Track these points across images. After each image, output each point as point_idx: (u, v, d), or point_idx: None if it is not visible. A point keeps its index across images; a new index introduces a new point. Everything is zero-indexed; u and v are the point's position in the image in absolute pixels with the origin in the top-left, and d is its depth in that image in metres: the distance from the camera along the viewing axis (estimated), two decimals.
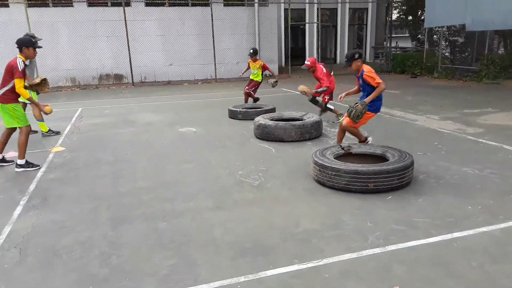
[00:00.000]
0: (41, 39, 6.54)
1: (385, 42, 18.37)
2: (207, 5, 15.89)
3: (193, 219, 3.66)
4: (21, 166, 5.27)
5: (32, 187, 4.62)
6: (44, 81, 5.86)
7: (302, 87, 7.33)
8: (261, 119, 6.56)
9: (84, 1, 15.11)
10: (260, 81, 9.43)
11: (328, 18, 23.99)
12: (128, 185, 4.58)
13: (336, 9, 23.17)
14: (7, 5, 14.30)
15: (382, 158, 4.66)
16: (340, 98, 5.35)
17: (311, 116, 6.73)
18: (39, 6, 14.64)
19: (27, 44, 5.31)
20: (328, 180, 4.26)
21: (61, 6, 15.02)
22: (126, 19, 14.83)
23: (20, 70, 5.11)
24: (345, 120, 5.26)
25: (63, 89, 14.91)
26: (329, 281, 2.68)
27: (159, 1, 15.97)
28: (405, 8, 24.35)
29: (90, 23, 15.19)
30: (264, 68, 9.50)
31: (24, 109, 5.58)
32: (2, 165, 5.45)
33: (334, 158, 4.57)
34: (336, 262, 2.92)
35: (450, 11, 13.86)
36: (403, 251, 3.04)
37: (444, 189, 4.21)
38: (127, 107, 10.24)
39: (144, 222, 3.63)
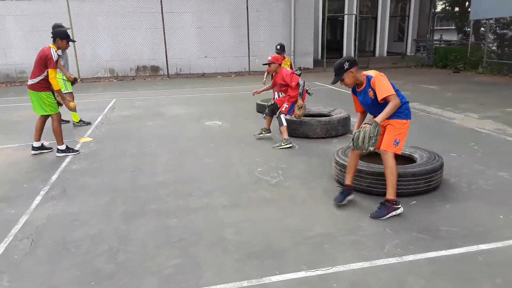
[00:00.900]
0: (69, 28, 6.69)
1: (427, 35, 17.51)
2: None
3: (205, 217, 3.59)
4: (62, 151, 5.55)
5: (54, 177, 4.72)
6: (75, 81, 6.08)
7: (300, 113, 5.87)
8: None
9: None
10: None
11: (368, 9, 23.22)
12: (146, 179, 4.58)
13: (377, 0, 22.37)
14: None
15: (409, 159, 4.39)
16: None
17: (339, 112, 6.48)
18: None
19: (62, 36, 5.42)
20: None
21: None
22: (163, 11, 14.97)
23: (54, 60, 5.26)
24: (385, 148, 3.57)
25: (101, 79, 15.32)
26: None
27: None
28: None
29: (129, 15, 15.45)
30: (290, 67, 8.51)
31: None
32: (42, 152, 5.66)
33: None
34: (347, 271, 2.75)
35: (499, 2, 12.96)
36: (422, 262, 2.82)
37: (475, 195, 3.90)
38: (159, 99, 10.35)
39: (157, 217, 3.60)
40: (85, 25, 15.04)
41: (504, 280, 2.58)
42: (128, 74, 16.15)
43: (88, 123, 7.53)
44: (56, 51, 5.34)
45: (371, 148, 3.44)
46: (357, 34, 17.39)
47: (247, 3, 15.54)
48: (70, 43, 5.59)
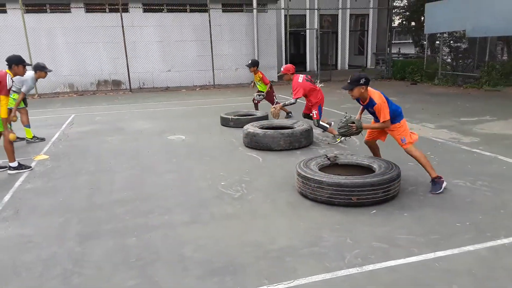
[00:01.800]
0: (51, 70, 6.84)
1: (386, 49, 18.18)
2: (205, 11, 15.80)
3: (165, 235, 3.49)
4: (14, 168, 5.38)
5: (7, 197, 4.48)
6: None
7: (273, 111, 6.79)
8: (250, 127, 6.40)
9: (82, 7, 15.08)
10: (269, 90, 8.72)
11: (329, 24, 23.89)
12: (104, 197, 4.42)
13: (337, 15, 23.07)
14: (4, 11, 14.29)
15: (369, 169, 4.48)
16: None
17: (301, 124, 6.55)
18: (37, 12, 14.62)
19: (17, 62, 5.30)
20: (311, 192, 4.08)
21: (59, 11, 14.99)
22: (124, 25, 14.77)
23: (7, 88, 5.10)
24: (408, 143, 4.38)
25: (60, 95, 14.86)
26: None
27: (157, 7, 15.92)
28: (407, 14, 24.17)
29: (88, 29, 15.16)
30: (264, 81, 8.81)
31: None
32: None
33: (319, 169, 4.39)
34: (309, 283, 2.74)
35: (450, 17, 13.69)
36: (381, 271, 2.85)
37: (432, 203, 4.01)
38: (120, 114, 10.12)
39: (113, 237, 3.47)
40: (42, 40, 14.62)
41: (460, 286, 2.64)
42: (88, 89, 15.76)
43: (42, 139, 7.24)
44: (11, 78, 5.19)
45: (340, 137, 4.68)
46: (319, 48, 17.80)
47: (209, 17, 15.59)
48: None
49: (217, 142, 6.81)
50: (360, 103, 4.49)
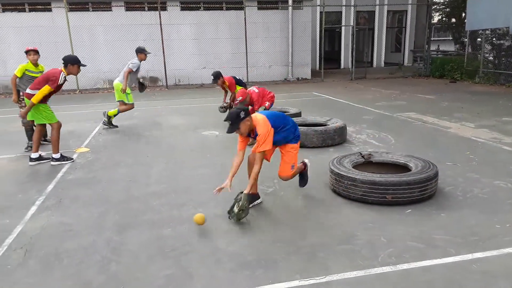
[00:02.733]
0: (150, 53, 8.03)
1: (424, 45, 17.64)
2: (241, 8, 15.88)
3: (198, 227, 3.56)
4: (57, 159, 5.66)
5: (50, 187, 4.71)
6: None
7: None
8: None
9: (122, 6, 15.54)
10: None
11: (365, 20, 23.43)
12: (140, 190, 4.56)
13: (374, 11, 22.58)
14: (50, 10, 14.95)
15: (404, 168, 4.39)
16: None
17: (336, 121, 6.49)
18: (80, 10, 15.20)
19: (72, 62, 5.53)
20: (344, 190, 4.05)
21: (100, 10, 15.51)
22: (162, 23, 15.08)
23: (57, 84, 5.39)
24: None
25: (100, 90, 15.38)
26: None
27: (194, 6, 16.16)
28: (448, 10, 23.33)
29: (127, 27, 15.58)
30: (231, 89, 8.23)
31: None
32: (40, 163, 5.69)
33: (353, 167, 4.35)
34: (341, 279, 2.73)
35: (493, 13, 13.09)
36: (415, 271, 2.80)
37: (471, 203, 3.89)
38: (157, 110, 10.37)
39: (150, 228, 3.58)
40: (84, 37, 15.17)
41: None
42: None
43: (116, 126, 8.10)
44: (65, 76, 5.46)
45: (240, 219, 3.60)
46: (354, 45, 17.50)
47: (244, 15, 15.67)
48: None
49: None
50: (251, 137, 3.87)
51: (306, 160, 4.42)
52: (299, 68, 17.38)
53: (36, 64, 6.50)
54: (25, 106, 5.71)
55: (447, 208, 3.79)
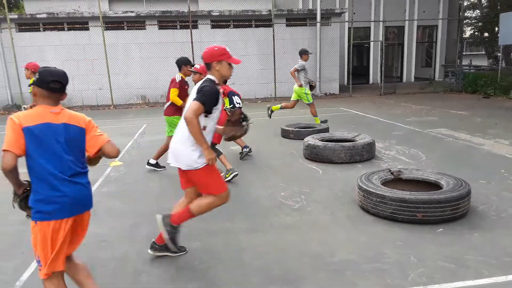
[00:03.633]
0: (311, 53, 8.85)
1: (456, 60, 17.30)
2: (269, 26, 16.13)
3: (226, 240, 3.62)
4: (151, 165, 6.13)
5: None
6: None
7: None
8: (310, 139, 6.42)
9: (155, 24, 16.09)
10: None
11: (395, 35, 23.24)
12: (171, 203, 4.63)
13: (403, 26, 22.38)
14: (87, 29, 15.67)
15: (435, 186, 4.31)
16: None
17: (364, 137, 6.45)
18: (115, 29, 15.86)
19: (184, 63, 5.96)
20: (373, 207, 4.01)
21: (135, 29, 16.13)
22: (193, 40, 15.52)
23: (175, 82, 5.84)
24: None
25: (133, 106, 15.86)
26: None
27: (224, 24, 16.55)
28: (480, 24, 22.89)
29: (160, 45, 16.09)
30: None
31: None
32: (155, 169, 6.13)
33: (382, 184, 4.31)
34: None
35: None
36: None
37: (505, 223, 3.77)
38: None
39: (180, 240, 3.65)
40: (119, 54, 15.76)
41: None
42: (159, 101, 16.65)
43: (325, 121, 8.87)
44: (182, 76, 5.89)
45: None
46: (383, 60, 17.37)
47: (273, 32, 15.89)
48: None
49: (277, 153, 6.90)
50: None
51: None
52: (327, 84, 17.37)
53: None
54: None
55: (480, 228, 3.69)
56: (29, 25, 15.50)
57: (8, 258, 3.43)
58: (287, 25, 16.84)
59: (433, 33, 23.38)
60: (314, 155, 6.19)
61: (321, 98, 16.41)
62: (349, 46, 19.28)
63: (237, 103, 6.30)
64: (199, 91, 3.06)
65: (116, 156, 2.55)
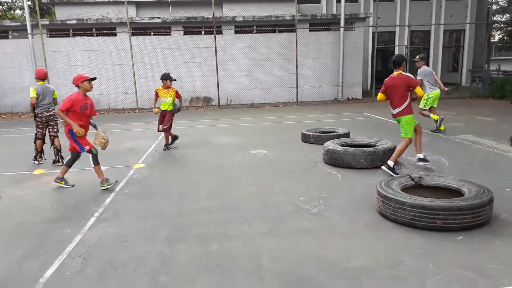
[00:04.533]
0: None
1: (484, 65, 16.88)
2: (293, 31, 16.18)
3: (244, 244, 3.67)
4: (388, 167, 5.71)
5: (108, 200, 5.04)
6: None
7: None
8: (330, 144, 6.41)
9: (180, 30, 16.39)
10: (172, 110, 8.11)
11: (421, 40, 22.87)
12: (190, 205, 4.76)
13: (430, 31, 22.02)
14: (115, 34, 16.11)
15: (457, 193, 4.24)
16: None
17: (385, 142, 6.39)
18: (142, 34, 16.24)
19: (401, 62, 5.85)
20: (392, 213, 3.98)
21: (161, 34, 16.47)
22: (217, 45, 15.73)
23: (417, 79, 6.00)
24: None
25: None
26: None
27: (248, 29, 16.70)
28: (509, 29, 22.25)
29: (185, 50, 16.39)
30: (178, 96, 8.26)
31: None
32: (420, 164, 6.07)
33: (401, 190, 4.27)
34: None
35: None
36: None
37: None
38: (209, 128, 10.75)
39: (198, 243, 3.73)
40: (146, 59, 16.11)
41: None
42: (182, 105, 16.92)
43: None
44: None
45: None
46: (407, 65, 17.11)
47: (296, 37, 15.92)
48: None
49: (297, 158, 6.91)
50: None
51: None
52: (349, 88, 17.25)
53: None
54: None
55: (502, 236, 3.61)
56: (59, 30, 16.07)
57: (34, 256, 3.58)
58: (310, 30, 16.85)
59: (460, 37, 22.90)
60: (334, 160, 6.17)
61: (344, 103, 16.31)
62: (373, 50, 19.11)
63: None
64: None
65: None
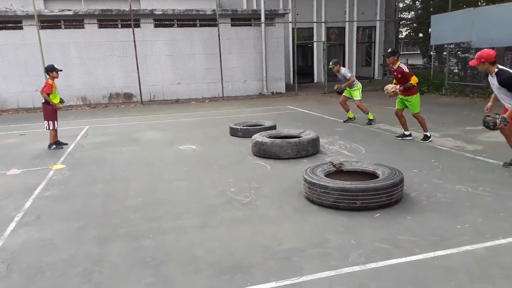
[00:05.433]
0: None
1: None
2: (214, 25, 16.19)
3: (177, 238, 3.68)
4: (426, 137, 7.25)
5: (28, 204, 4.72)
6: None
7: None
8: (258, 137, 6.60)
9: (95, 23, 15.56)
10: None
11: (336, 36, 24.18)
12: (118, 204, 4.63)
13: (344, 27, 23.37)
14: (21, 28, 14.83)
15: (373, 176, 4.64)
16: None
17: (309, 133, 6.74)
18: (51, 28, 15.13)
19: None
20: (317, 197, 4.25)
21: (73, 27, 15.49)
22: (136, 39, 15.19)
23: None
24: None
25: (73, 108, 15.24)
26: None
27: (168, 22, 16.36)
28: (415, 25, 24.41)
29: (101, 44, 15.59)
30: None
31: None
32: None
33: (325, 176, 4.57)
34: (314, 279, 2.90)
35: (455, 28, 13.85)
36: (383, 269, 3.00)
37: (434, 207, 4.15)
38: (132, 126, 10.41)
39: (129, 240, 3.67)
40: (56, 55, 15.04)
41: (458, 283, 2.78)
42: (100, 102, 16.13)
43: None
44: None
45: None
46: (326, 60, 18.03)
47: (218, 31, 15.97)
48: None
49: (226, 152, 7.02)
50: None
51: None
52: (273, 83, 17.74)
53: None
54: None
55: (412, 212, 4.04)
56: None
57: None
58: (232, 25, 16.99)
59: (372, 33, 24.61)
60: (262, 152, 6.38)
61: (268, 97, 16.75)
62: (293, 46, 19.84)
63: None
64: None
65: None
